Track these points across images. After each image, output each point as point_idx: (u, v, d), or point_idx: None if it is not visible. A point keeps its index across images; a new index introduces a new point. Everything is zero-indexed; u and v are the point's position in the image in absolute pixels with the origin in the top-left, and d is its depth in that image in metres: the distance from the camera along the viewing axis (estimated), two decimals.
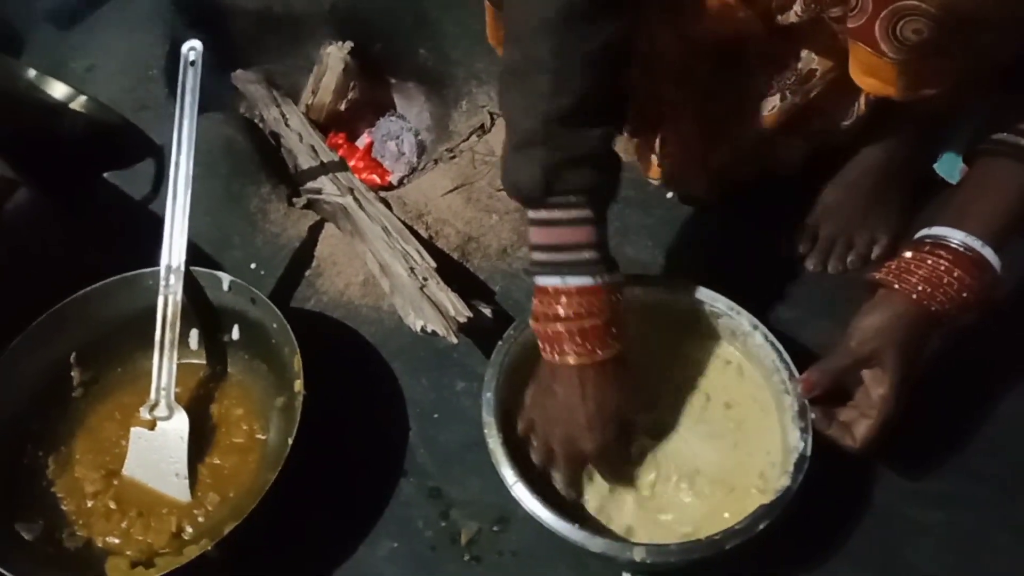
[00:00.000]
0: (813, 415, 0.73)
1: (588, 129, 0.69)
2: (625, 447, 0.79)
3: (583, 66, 0.67)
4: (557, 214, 0.70)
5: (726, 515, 0.74)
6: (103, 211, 1.15)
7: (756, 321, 0.81)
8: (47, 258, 0.99)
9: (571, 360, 0.71)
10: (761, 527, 0.69)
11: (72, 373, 0.92)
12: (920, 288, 0.69)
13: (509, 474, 0.74)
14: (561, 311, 0.71)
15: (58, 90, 1.23)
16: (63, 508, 0.86)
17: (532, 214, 0.72)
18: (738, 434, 0.80)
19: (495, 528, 0.84)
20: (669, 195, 1.08)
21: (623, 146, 1.02)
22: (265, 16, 1.39)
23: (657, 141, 0.96)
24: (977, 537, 0.79)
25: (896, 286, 0.70)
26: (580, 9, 0.65)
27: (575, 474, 0.77)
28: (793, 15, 0.75)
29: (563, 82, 0.67)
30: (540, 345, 0.74)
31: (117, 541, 0.83)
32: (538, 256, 0.72)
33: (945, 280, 0.69)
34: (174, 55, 1.01)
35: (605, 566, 0.79)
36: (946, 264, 0.69)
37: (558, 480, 0.77)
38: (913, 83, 0.70)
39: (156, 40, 1.34)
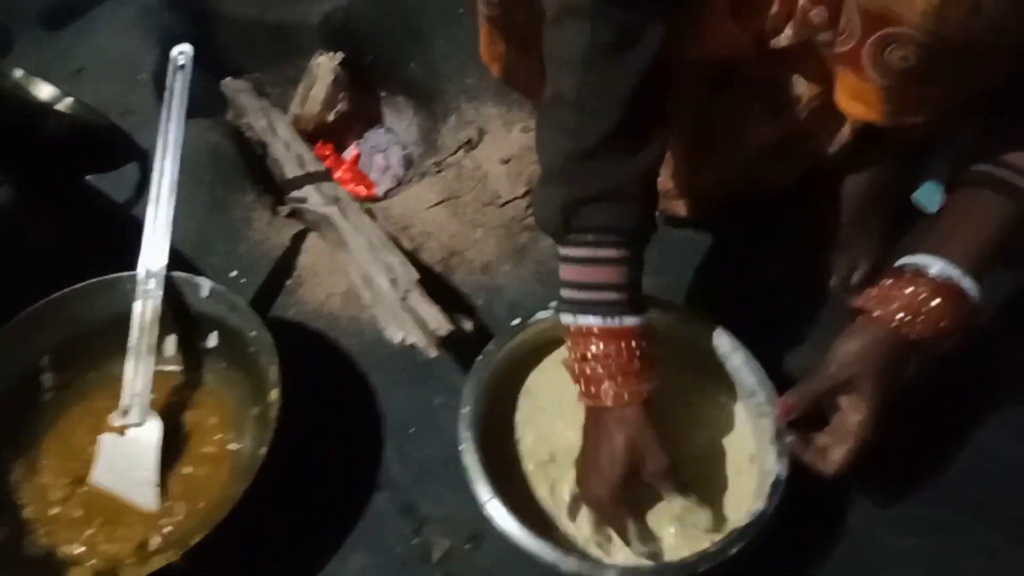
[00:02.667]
0: (790, 439, 0.73)
1: (611, 165, 0.69)
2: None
3: (606, 102, 0.68)
4: (579, 252, 0.71)
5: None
6: (85, 213, 1.14)
7: (737, 342, 0.81)
8: (26, 258, 0.98)
9: (609, 402, 0.71)
10: (735, 550, 0.68)
11: (43, 376, 0.91)
12: (899, 316, 0.69)
13: (483, 491, 0.73)
14: (592, 351, 0.71)
15: (44, 91, 1.23)
16: (26, 515, 0.83)
17: (561, 250, 0.73)
18: (715, 459, 0.80)
19: (468, 545, 0.83)
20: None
21: None
22: (257, 25, 1.39)
23: None
24: (951, 563, 0.79)
25: (875, 313, 0.70)
26: (606, 45, 0.66)
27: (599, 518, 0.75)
28: (785, 39, 0.76)
29: (586, 118, 0.68)
30: (578, 386, 0.73)
31: (81, 550, 0.81)
32: (564, 292, 0.73)
33: (924, 309, 0.69)
34: (163, 61, 1.00)
35: None
36: (925, 293, 0.69)
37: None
38: (898, 109, 0.70)
39: (146, 45, 1.34)
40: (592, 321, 0.71)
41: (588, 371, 0.71)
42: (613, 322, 0.70)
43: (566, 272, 0.73)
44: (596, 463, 0.72)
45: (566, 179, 0.69)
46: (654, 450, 0.70)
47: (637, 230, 0.73)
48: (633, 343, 0.71)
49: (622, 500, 0.71)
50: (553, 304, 0.82)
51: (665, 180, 0.98)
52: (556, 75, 0.69)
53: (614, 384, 0.70)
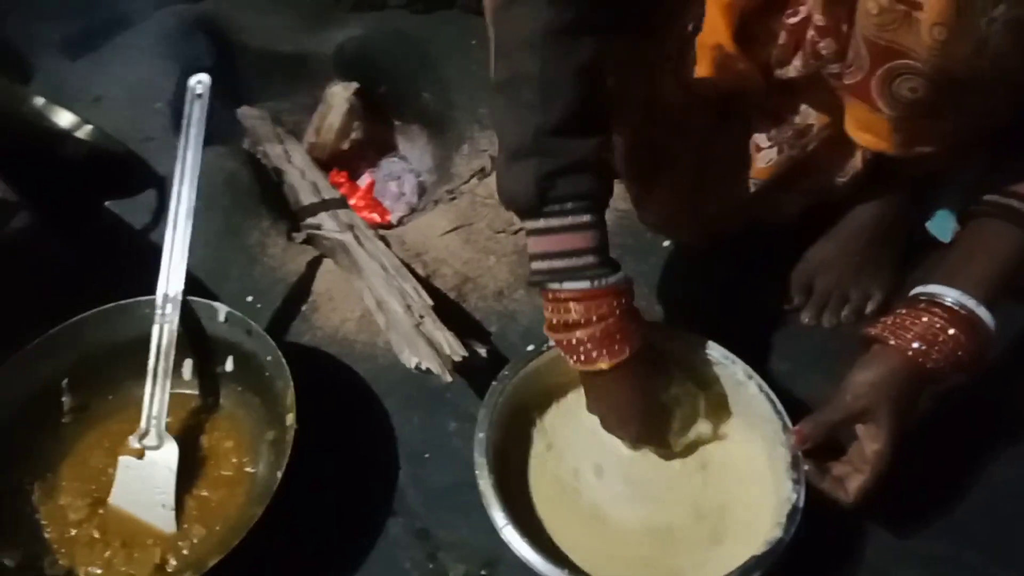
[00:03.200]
0: (806, 467, 0.73)
1: (578, 139, 0.70)
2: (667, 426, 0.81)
3: (569, 79, 0.69)
4: (553, 222, 0.71)
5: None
6: (103, 238, 1.15)
7: (751, 371, 0.81)
8: (45, 282, 0.99)
9: (603, 365, 0.72)
10: None
11: (63, 399, 0.92)
12: (915, 345, 0.70)
13: (499, 516, 0.73)
14: (574, 317, 0.71)
15: (64, 118, 1.25)
16: (46, 536, 0.84)
17: (529, 224, 0.72)
18: (731, 487, 0.80)
19: (483, 572, 0.83)
20: (666, 243, 1.09)
21: (618, 191, 1.03)
22: (273, 55, 1.42)
23: (653, 188, 0.97)
24: None
25: (891, 342, 0.71)
26: (564, 25, 0.68)
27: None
28: (792, 70, 0.77)
29: (551, 94, 0.69)
30: (565, 356, 0.74)
31: (99, 571, 0.81)
32: (538, 265, 0.73)
33: (940, 338, 0.69)
34: (181, 89, 1.02)
35: None
36: (941, 322, 0.69)
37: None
38: (907, 140, 0.71)
39: (164, 74, 1.37)
40: (582, 285, 0.71)
41: (575, 338, 0.72)
42: (600, 284, 0.71)
43: (540, 244, 0.72)
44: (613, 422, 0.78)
45: (539, 153, 0.69)
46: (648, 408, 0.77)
47: (605, 196, 0.74)
48: (624, 300, 0.72)
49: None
50: None
51: (673, 208, 0.99)
52: (514, 55, 0.70)
53: (605, 344, 0.71)
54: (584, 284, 0.70)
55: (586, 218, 0.71)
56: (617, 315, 0.71)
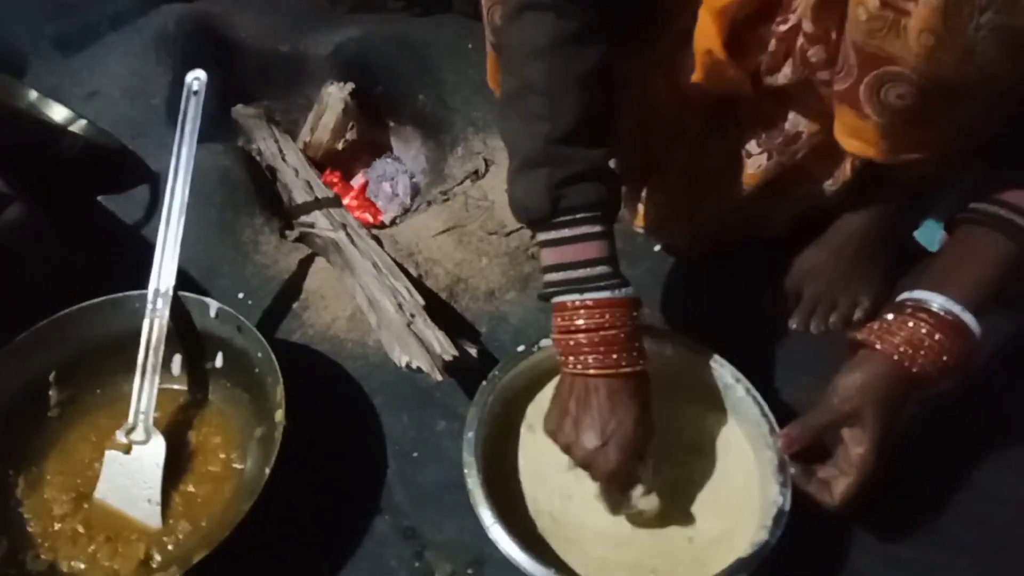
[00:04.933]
0: (793, 470, 0.73)
1: (587, 148, 0.71)
2: (635, 478, 0.75)
3: (576, 87, 0.69)
4: (566, 232, 0.71)
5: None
6: (96, 233, 1.15)
7: (739, 374, 0.82)
8: (36, 274, 0.99)
9: (592, 371, 0.71)
10: None
11: (50, 392, 0.91)
12: (901, 349, 0.70)
13: (487, 515, 0.73)
14: (582, 323, 0.70)
15: (58, 112, 1.25)
16: (29, 529, 0.84)
17: (542, 236, 0.73)
18: (718, 489, 0.80)
19: (469, 571, 0.83)
20: (656, 248, 1.09)
21: None
22: (269, 54, 1.42)
23: (644, 191, 0.98)
24: None
25: (878, 346, 0.71)
26: (571, 34, 0.69)
27: (604, 490, 0.76)
28: (782, 77, 0.78)
29: (559, 103, 0.69)
30: (562, 359, 0.73)
31: (83, 566, 0.81)
32: (552, 276, 0.73)
33: (926, 343, 0.70)
34: (176, 86, 1.02)
35: None
36: (927, 327, 0.70)
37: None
38: (895, 147, 0.72)
39: (159, 71, 1.37)
40: (601, 295, 0.70)
41: (584, 340, 0.71)
42: (614, 293, 0.70)
43: (552, 255, 0.72)
44: (590, 436, 0.71)
45: (549, 162, 0.70)
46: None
47: (615, 206, 0.74)
48: (633, 313, 0.72)
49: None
50: None
51: (665, 212, 0.99)
52: (523, 66, 0.71)
53: (610, 352, 0.70)
54: (604, 294, 0.70)
55: (598, 228, 0.71)
56: (628, 328, 0.71)
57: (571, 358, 0.72)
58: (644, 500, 0.74)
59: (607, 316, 0.70)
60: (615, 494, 0.76)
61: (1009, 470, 0.87)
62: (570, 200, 0.70)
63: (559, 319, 0.73)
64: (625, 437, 0.71)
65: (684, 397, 0.84)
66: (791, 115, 0.85)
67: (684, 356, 0.84)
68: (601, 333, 0.70)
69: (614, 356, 0.70)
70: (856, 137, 0.73)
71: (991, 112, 0.68)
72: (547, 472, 0.81)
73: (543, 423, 0.76)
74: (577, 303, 0.71)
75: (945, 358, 0.70)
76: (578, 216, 0.71)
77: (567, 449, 0.73)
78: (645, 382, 0.74)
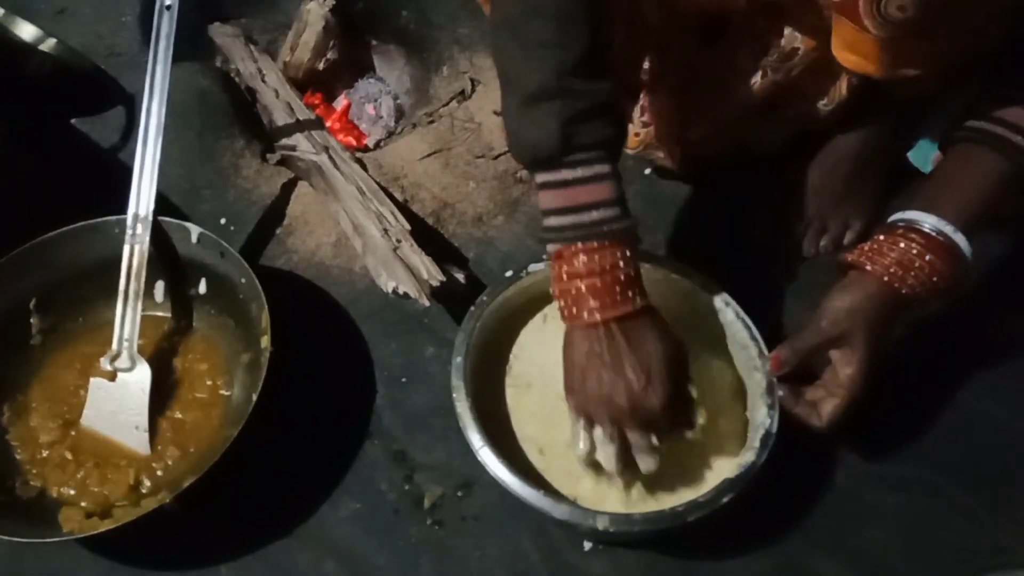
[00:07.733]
0: (781, 392, 0.74)
1: (598, 79, 0.66)
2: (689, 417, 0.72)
3: (583, 12, 0.65)
4: (578, 172, 0.66)
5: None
6: (71, 157, 1.12)
7: (728, 298, 0.81)
8: (11, 200, 0.96)
9: (599, 316, 0.66)
10: (724, 500, 0.69)
11: (31, 320, 0.90)
12: (891, 270, 0.70)
13: (476, 438, 0.74)
14: (594, 267, 0.66)
15: (26, 31, 1.19)
16: (17, 457, 0.83)
17: (545, 177, 0.67)
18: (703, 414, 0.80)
19: (459, 493, 0.84)
20: (647, 171, 1.07)
21: None
22: None
23: (636, 110, 0.95)
24: (931, 521, 0.81)
25: (868, 267, 0.71)
26: None
27: (647, 442, 0.69)
28: None
29: (568, 30, 0.64)
30: (563, 311, 0.69)
31: (72, 492, 0.81)
32: (554, 221, 0.67)
33: (916, 264, 0.69)
34: (149, 2, 0.98)
35: (568, 534, 0.79)
36: (918, 248, 0.69)
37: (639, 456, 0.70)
38: (894, 61, 0.70)
39: None
40: (613, 236, 0.66)
41: (583, 286, 0.66)
42: (627, 228, 0.67)
43: (558, 198, 0.67)
44: (628, 381, 0.66)
45: (562, 95, 0.64)
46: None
47: (621, 145, 0.71)
48: (629, 251, 0.68)
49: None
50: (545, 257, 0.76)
51: (656, 132, 0.97)
52: None
53: (617, 292, 0.66)
54: (616, 233, 0.66)
55: (607, 167, 0.67)
56: (633, 265, 0.67)
57: (578, 308, 0.67)
58: (645, 461, 0.70)
59: (616, 255, 0.66)
60: (667, 436, 0.70)
61: (992, 391, 0.88)
62: (581, 138, 0.65)
63: (563, 266, 0.67)
64: (666, 366, 0.67)
65: (674, 320, 0.83)
66: (787, 31, 0.82)
67: (675, 280, 0.84)
68: (612, 274, 0.66)
69: (629, 294, 0.67)
70: (854, 52, 0.71)
71: (992, 23, 0.66)
72: (537, 395, 0.81)
73: (564, 395, 0.71)
74: (585, 247, 0.66)
75: (935, 279, 0.69)
76: (591, 155, 0.66)
77: (602, 406, 0.68)
78: (657, 312, 0.71)
